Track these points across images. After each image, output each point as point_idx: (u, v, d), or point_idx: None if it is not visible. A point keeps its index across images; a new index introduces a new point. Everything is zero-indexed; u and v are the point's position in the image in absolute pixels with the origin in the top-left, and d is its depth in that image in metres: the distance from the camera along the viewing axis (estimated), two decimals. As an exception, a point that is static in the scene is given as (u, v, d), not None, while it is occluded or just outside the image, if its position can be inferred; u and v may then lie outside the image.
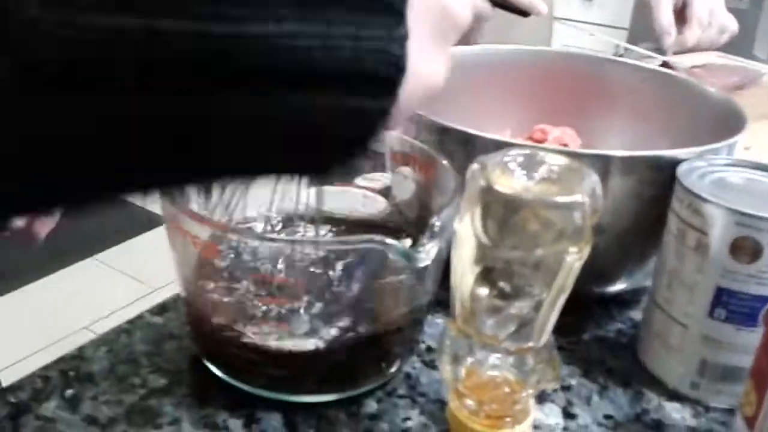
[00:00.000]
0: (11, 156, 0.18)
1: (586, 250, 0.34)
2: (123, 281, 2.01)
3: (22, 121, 0.17)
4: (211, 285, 0.41)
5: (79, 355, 0.45)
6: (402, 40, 0.22)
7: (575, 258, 0.33)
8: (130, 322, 0.48)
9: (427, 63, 0.26)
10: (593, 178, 0.34)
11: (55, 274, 2.01)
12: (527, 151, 0.35)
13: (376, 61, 0.22)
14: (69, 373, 0.43)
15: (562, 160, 0.35)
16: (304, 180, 0.26)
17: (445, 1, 0.27)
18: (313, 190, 0.51)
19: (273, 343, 0.39)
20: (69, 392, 0.42)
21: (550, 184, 0.34)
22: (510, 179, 0.34)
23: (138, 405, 0.41)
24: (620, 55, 1.28)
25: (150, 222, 2.16)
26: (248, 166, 0.24)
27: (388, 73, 0.23)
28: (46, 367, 0.43)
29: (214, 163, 0.22)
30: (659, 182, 0.46)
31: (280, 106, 0.21)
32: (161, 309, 0.49)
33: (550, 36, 1.09)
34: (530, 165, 0.35)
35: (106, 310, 1.87)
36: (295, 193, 0.53)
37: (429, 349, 0.48)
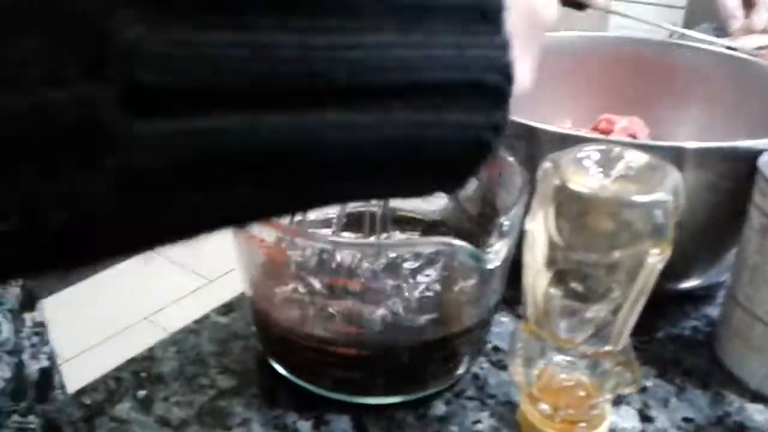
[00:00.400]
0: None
1: (668, 251, 0.32)
2: (181, 273, 2.05)
3: (128, 149, 0.16)
4: (278, 286, 0.41)
5: (149, 356, 0.45)
6: (505, 46, 0.21)
7: (657, 259, 0.32)
8: (197, 321, 0.48)
9: (520, 67, 0.24)
10: (675, 175, 0.32)
11: (117, 267, 2.06)
12: (603, 147, 0.34)
13: (485, 70, 0.20)
14: (140, 374, 0.44)
15: (641, 157, 0.33)
16: (403, 197, 0.24)
17: (533, 1, 0.25)
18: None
19: (339, 345, 0.39)
20: (141, 393, 0.42)
21: (628, 182, 0.32)
22: (585, 177, 0.32)
23: (208, 406, 0.42)
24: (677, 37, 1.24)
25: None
26: (349, 189, 0.22)
27: (498, 81, 0.21)
28: (118, 368, 0.44)
29: (313, 187, 0.20)
30: (736, 174, 0.44)
31: (388, 122, 0.19)
32: (227, 309, 0.50)
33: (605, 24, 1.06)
34: (606, 162, 0.33)
35: (166, 301, 1.91)
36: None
37: (496, 349, 0.47)
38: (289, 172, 0.19)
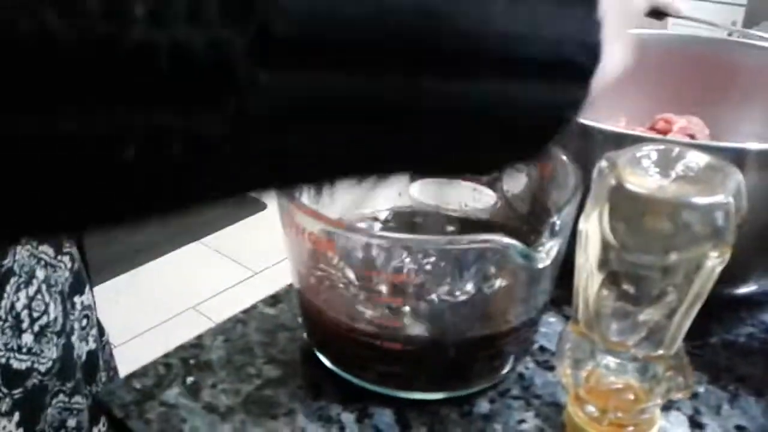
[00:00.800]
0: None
1: (728, 254, 0.31)
2: (226, 265, 2.08)
3: (249, 94, 0.16)
4: (325, 279, 0.41)
5: (198, 344, 0.46)
6: (598, 26, 0.21)
7: (716, 263, 0.31)
8: (245, 312, 0.49)
9: (612, 49, 0.24)
10: (737, 177, 0.31)
11: (164, 257, 2.11)
12: (661, 147, 0.33)
13: (575, 48, 0.21)
14: (189, 361, 0.44)
15: (702, 158, 0.32)
16: (470, 173, 0.25)
17: None
18: (425, 185, 0.50)
19: (385, 339, 0.39)
20: (189, 380, 0.43)
21: (688, 183, 0.31)
22: (643, 177, 0.32)
23: (254, 395, 0.42)
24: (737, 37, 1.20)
25: (252, 208, 2.24)
26: (437, 156, 0.22)
27: (585, 60, 0.21)
28: (167, 355, 0.45)
29: (409, 150, 0.21)
30: (801, 177, 0.42)
31: (481, 91, 0.20)
32: (274, 300, 0.50)
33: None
34: (665, 162, 0.32)
35: (212, 292, 1.95)
36: (410, 190, 0.53)
37: (542, 349, 0.46)
38: (388, 131, 0.19)
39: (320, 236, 0.38)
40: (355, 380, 0.42)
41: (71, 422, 0.50)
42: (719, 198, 0.30)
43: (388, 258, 0.38)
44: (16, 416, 0.45)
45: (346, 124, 0.19)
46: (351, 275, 0.38)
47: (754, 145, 0.43)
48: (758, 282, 0.49)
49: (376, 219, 0.49)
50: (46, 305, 0.48)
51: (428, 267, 0.39)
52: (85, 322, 0.55)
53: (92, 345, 0.55)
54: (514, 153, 0.23)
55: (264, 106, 0.17)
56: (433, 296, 0.39)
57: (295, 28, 0.16)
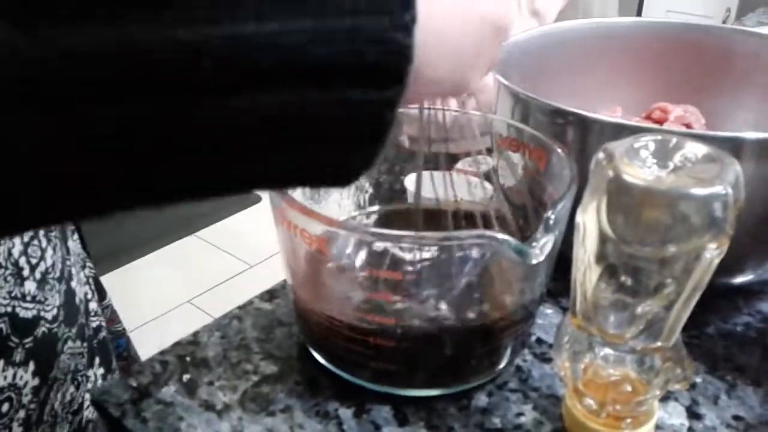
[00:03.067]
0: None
1: (726, 246, 0.31)
2: (221, 257, 2.08)
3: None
4: (318, 276, 0.41)
5: (194, 340, 0.46)
6: (407, 27, 0.21)
7: (714, 254, 0.31)
8: (241, 307, 0.49)
9: (453, 39, 0.25)
10: (735, 167, 0.31)
11: (159, 251, 2.10)
12: (659, 137, 0.33)
13: (377, 52, 0.21)
14: (186, 359, 0.44)
15: (700, 148, 0.32)
16: (324, 184, 0.25)
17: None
18: (415, 176, 0.50)
19: (379, 336, 0.39)
20: (186, 377, 0.43)
21: (686, 174, 0.31)
22: (640, 169, 0.31)
23: (251, 392, 0.42)
24: (729, 22, 1.19)
25: (245, 201, 2.23)
26: (259, 173, 0.23)
27: (392, 63, 0.21)
28: (163, 352, 0.45)
29: (226, 173, 0.22)
30: (798, 166, 0.42)
31: (278, 104, 0.21)
32: (270, 295, 0.50)
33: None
34: (663, 153, 0.32)
35: (207, 285, 1.94)
36: (406, 183, 0.52)
37: (540, 341, 0.46)
38: (168, 154, 0.20)
39: (312, 233, 0.37)
40: (350, 378, 0.42)
41: (79, 365, 0.51)
42: (717, 189, 0.30)
43: (380, 255, 0.38)
44: (31, 365, 0.46)
45: (134, 152, 0.20)
46: (343, 272, 0.38)
47: (751, 135, 0.43)
48: (755, 272, 0.49)
49: (371, 213, 0.49)
50: (43, 250, 0.48)
51: (421, 263, 0.38)
52: (79, 266, 0.55)
53: (86, 288, 0.56)
54: (340, 157, 0.24)
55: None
56: (427, 292, 0.38)
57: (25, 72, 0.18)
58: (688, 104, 0.57)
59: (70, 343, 0.50)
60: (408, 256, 0.38)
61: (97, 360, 0.55)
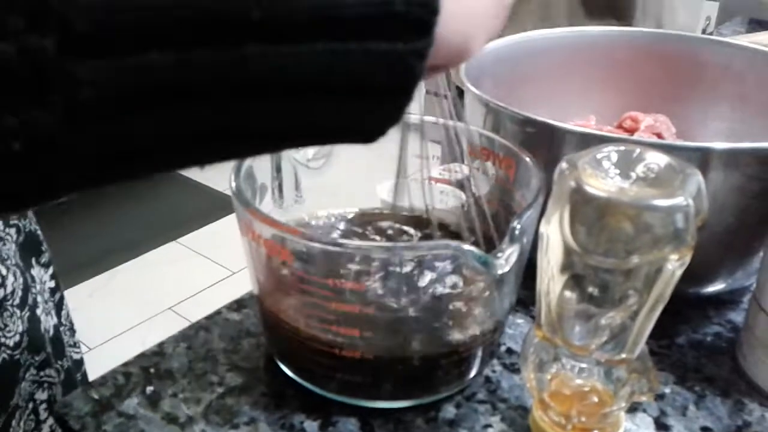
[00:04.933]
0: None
1: (688, 257, 0.31)
2: (203, 264, 2.06)
3: (71, 86, 0.18)
4: (282, 287, 0.40)
5: (159, 351, 0.45)
6: None
7: (676, 266, 0.31)
8: (209, 318, 0.48)
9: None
10: (697, 178, 0.31)
11: (140, 257, 2.08)
12: (622, 148, 0.33)
13: (405, 3, 0.22)
14: (150, 370, 0.43)
15: (662, 159, 0.32)
16: (352, 140, 0.25)
17: None
18: (391, 186, 0.50)
19: (345, 348, 0.38)
20: (149, 389, 0.42)
21: (648, 185, 0.31)
22: (603, 179, 0.31)
23: (216, 404, 0.41)
24: (710, 33, 1.20)
25: (227, 208, 2.22)
26: (289, 126, 0.23)
27: (420, 14, 0.22)
28: (127, 363, 0.44)
29: (254, 125, 0.22)
30: (766, 176, 0.42)
31: (312, 53, 0.21)
32: (239, 305, 0.49)
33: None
34: (626, 163, 0.32)
35: (188, 292, 1.93)
36: (378, 191, 0.52)
37: (509, 351, 0.46)
38: (216, 101, 0.21)
39: (275, 243, 0.37)
40: (317, 390, 0.41)
41: (41, 395, 0.50)
42: (679, 200, 0.30)
43: (345, 265, 0.38)
44: None
45: (177, 98, 0.20)
46: (308, 283, 0.37)
47: (719, 145, 0.43)
48: (725, 281, 0.49)
49: (341, 220, 0.49)
50: (3, 278, 0.47)
51: (387, 273, 0.38)
52: (48, 295, 0.54)
53: (56, 319, 0.55)
54: (369, 111, 0.24)
55: (91, 97, 0.19)
56: (393, 303, 0.38)
57: (94, 20, 0.18)
58: (660, 113, 0.57)
59: (32, 370, 0.50)
60: (372, 267, 0.37)
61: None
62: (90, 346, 1.70)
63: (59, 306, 0.58)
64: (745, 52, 0.59)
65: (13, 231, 0.52)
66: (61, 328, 0.57)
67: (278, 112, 0.23)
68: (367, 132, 0.25)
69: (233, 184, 0.39)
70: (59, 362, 0.55)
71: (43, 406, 0.51)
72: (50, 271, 0.56)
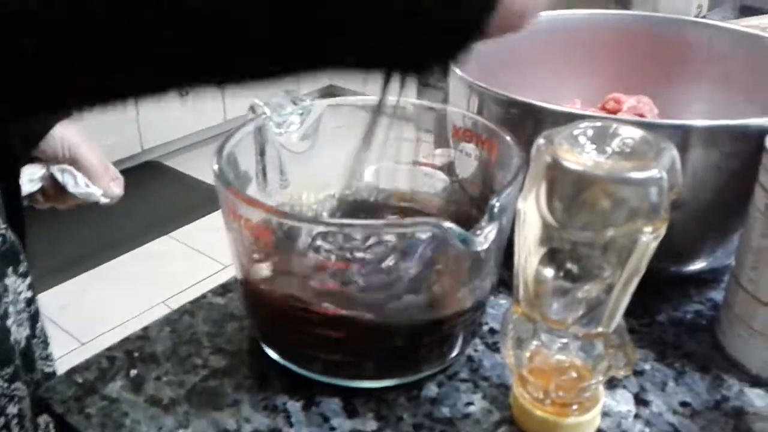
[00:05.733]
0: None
1: (662, 230, 0.31)
2: (196, 258, 2.06)
3: None
4: (265, 269, 0.40)
5: (144, 335, 0.45)
6: None
7: (650, 238, 0.31)
8: (193, 302, 0.48)
9: None
10: (671, 152, 0.31)
11: (133, 251, 2.08)
12: (598, 124, 0.33)
13: None
14: (134, 354, 0.44)
15: (637, 133, 0.32)
16: (410, 73, 0.26)
17: None
18: (375, 168, 0.50)
19: (328, 327, 0.38)
20: (133, 372, 0.42)
21: (624, 159, 0.31)
22: (579, 154, 0.31)
23: (199, 386, 0.41)
24: (703, 17, 1.20)
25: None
26: (350, 49, 0.25)
27: None
28: (111, 348, 0.44)
29: (314, 46, 0.24)
30: (745, 154, 0.42)
31: None
32: (224, 289, 0.49)
33: None
34: (601, 138, 0.32)
35: (181, 285, 1.93)
36: (359, 170, 0.52)
37: (492, 331, 0.46)
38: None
39: (258, 224, 0.37)
40: (300, 371, 0.41)
41: (12, 409, 0.49)
42: (653, 173, 0.30)
43: (328, 244, 0.38)
44: None
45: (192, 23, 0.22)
46: (291, 263, 0.38)
47: (698, 122, 0.43)
48: (706, 259, 0.49)
49: (326, 202, 0.49)
50: None
51: (368, 252, 0.38)
52: (22, 305, 0.53)
53: (29, 331, 0.54)
54: (433, 46, 0.25)
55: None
56: (375, 282, 0.38)
57: None
58: (644, 95, 0.57)
59: (1, 383, 0.49)
60: (353, 245, 0.38)
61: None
62: (82, 341, 1.70)
63: (34, 318, 0.57)
64: (729, 33, 0.59)
65: None
66: (34, 341, 0.56)
67: (333, 35, 0.24)
68: (429, 61, 0.26)
69: (215, 167, 0.39)
70: (29, 375, 0.54)
71: (15, 420, 0.49)
72: (27, 281, 0.55)
